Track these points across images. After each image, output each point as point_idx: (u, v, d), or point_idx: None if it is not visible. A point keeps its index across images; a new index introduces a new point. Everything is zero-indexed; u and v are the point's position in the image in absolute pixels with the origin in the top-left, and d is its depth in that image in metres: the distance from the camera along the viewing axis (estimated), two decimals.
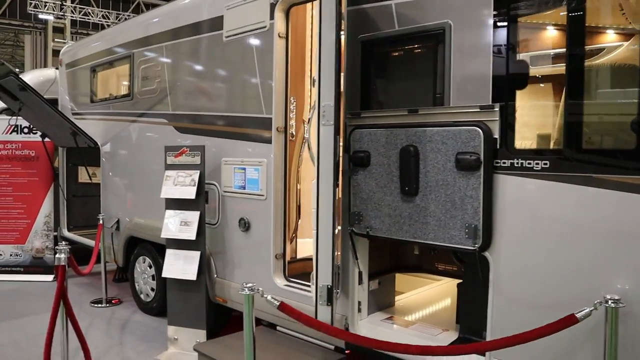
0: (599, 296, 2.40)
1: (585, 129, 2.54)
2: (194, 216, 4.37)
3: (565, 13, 2.55)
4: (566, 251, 2.58)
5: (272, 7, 3.95)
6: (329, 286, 2.89)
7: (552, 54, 2.81)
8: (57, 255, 3.75)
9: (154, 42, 5.18)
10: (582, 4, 2.51)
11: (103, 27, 24.41)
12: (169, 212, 4.47)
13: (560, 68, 2.61)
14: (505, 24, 2.74)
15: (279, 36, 3.96)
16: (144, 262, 5.48)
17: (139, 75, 5.40)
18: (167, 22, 5.01)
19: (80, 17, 23.92)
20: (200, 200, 4.37)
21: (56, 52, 23.73)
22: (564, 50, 2.57)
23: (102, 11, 24.06)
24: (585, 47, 2.52)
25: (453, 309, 3.64)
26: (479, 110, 2.81)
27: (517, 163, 2.70)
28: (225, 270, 4.45)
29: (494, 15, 2.77)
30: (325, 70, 2.82)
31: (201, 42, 4.62)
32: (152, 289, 5.39)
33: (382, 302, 3.80)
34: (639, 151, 2.35)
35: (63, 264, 3.73)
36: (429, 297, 4.09)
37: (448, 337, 3.27)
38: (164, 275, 4.42)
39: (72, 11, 23.49)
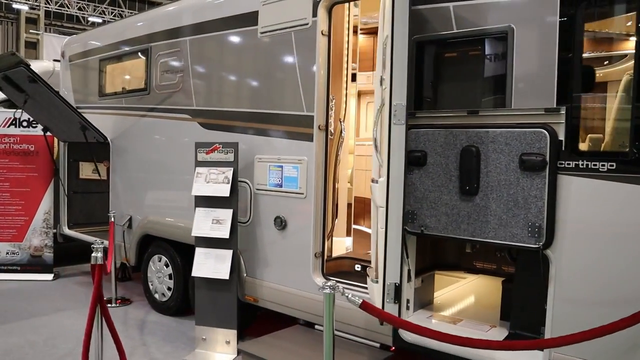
0: None
1: None
2: (226, 214, 4.32)
3: (635, 17, 2.66)
4: (629, 251, 2.69)
5: (315, 5, 3.94)
6: (396, 284, 2.92)
7: (618, 56, 2.92)
8: (93, 254, 3.64)
9: (176, 35, 5.09)
10: None
11: (79, 20, 23.68)
12: (199, 210, 4.40)
13: (627, 71, 2.73)
14: (571, 28, 2.83)
15: (322, 34, 3.96)
16: (160, 261, 5.37)
17: (158, 69, 5.29)
18: (193, 16, 4.93)
19: (55, 9, 23.08)
20: (234, 198, 4.32)
21: (29, 44, 22.92)
22: (632, 52, 2.68)
23: (78, 3, 23.29)
24: None
25: (494, 306, 3.72)
26: (544, 112, 2.89)
27: (582, 164, 2.80)
28: (256, 269, 4.41)
29: (560, 20, 2.85)
30: (397, 71, 2.84)
31: (232, 37, 4.57)
32: (169, 288, 5.29)
33: (424, 299, 3.85)
34: None
35: (100, 262, 3.63)
36: (464, 294, 4.16)
37: (499, 332, 3.35)
38: (194, 274, 4.35)
39: (47, 2, 22.64)
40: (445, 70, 3.37)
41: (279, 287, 4.24)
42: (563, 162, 2.84)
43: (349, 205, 5.00)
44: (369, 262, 4.30)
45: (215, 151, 4.40)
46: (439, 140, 3.22)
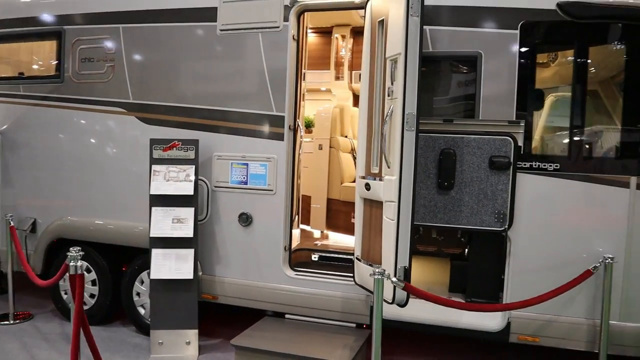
0: (587, 258, 3.49)
1: (585, 141, 3.62)
2: (188, 213, 4.24)
3: (573, 53, 3.58)
4: (566, 228, 3.61)
5: (287, 9, 4.13)
6: (406, 267, 3.37)
7: (562, 84, 3.82)
8: (72, 263, 3.30)
9: (105, 21, 4.67)
10: (585, 52, 3.57)
11: None
12: (156, 210, 4.22)
13: (568, 95, 3.64)
14: (527, 58, 3.63)
15: (293, 38, 4.17)
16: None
17: (76, 55, 4.78)
18: (131, 1, 4.59)
19: None
20: (195, 196, 4.25)
21: None
22: (571, 82, 3.60)
23: None
24: (586, 81, 3.59)
25: (440, 282, 4.41)
26: (507, 123, 3.65)
27: (535, 165, 3.63)
28: (215, 266, 4.41)
29: (519, 51, 3.63)
30: (409, 84, 3.28)
31: (185, 30, 4.43)
32: (92, 295, 4.87)
33: None
34: (619, 158, 3.52)
35: (80, 272, 3.31)
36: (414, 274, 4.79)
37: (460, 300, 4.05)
38: (153, 277, 4.18)
39: None
40: (423, 84, 3.91)
41: (244, 282, 4.33)
42: (521, 163, 3.64)
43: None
44: (327, 252, 4.71)
45: (174, 148, 4.26)
46: (420, 144, 3.76)
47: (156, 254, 4.22)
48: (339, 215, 5.64)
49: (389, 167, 3.44)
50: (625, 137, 3.57)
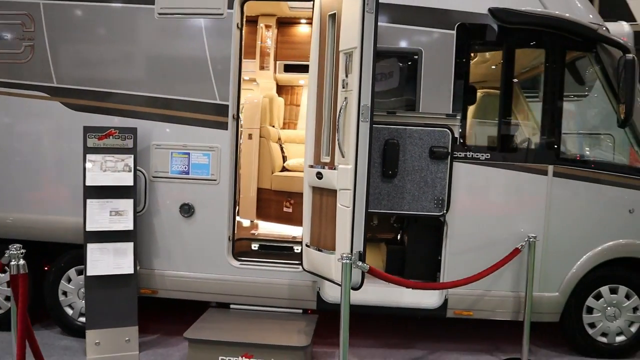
0: (512, 238, 3.93)
1: (511, 133, 4.05)
2: (127, 204, 4.03)
3: (502, 54, 3.98)
4: (495, 211, 4.03)
5: None
6: (360, 251, 3.52)
7: (492, 81, 4.19)
8: (13, 262, 3.02)
9: None
10: (512, 53, 3.98)
11: None
12: (92, 202, 3.96)
13: (497, 92, 4.04)
14: (462, 56, 3.96)
15: (237, 27, 4.12)
16: None
17: None
18: None
19: None
20: (134, 187, 4.05)
21: None
22: (499, 80, 4.00)
23: None
24: (512, 79, 4.01)
25: (375, 265, 4.65)
26: (445, 116, 3.96)
27: (469, 155, 3.99)
28: (154, 260, 4.24)
29: (455, 50, 3.94)
30: (365, 78, 3.43)
31: (118, 11, 4.17)
32: (7, 298, 4.43)
33: None
34: (538, 149, 3.99)
35: (24, 272, 3.04)
36: None
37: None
38: (90, 273, 3.93)
39: None
40: None
41: (186, 274, 4.22)
42: (457, 153, 3.97)
43: None
44: (266, 241, 4.75)
45: (111, 136, 4.01)
46: None
47: (92, 249, 3.96)
48: (270, 204, 5.67)
49: (343, 157, 3.57)
50: (543, 130, 4.05)
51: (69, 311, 4.37)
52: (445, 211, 3.98)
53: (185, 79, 4.16)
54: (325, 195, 3.81)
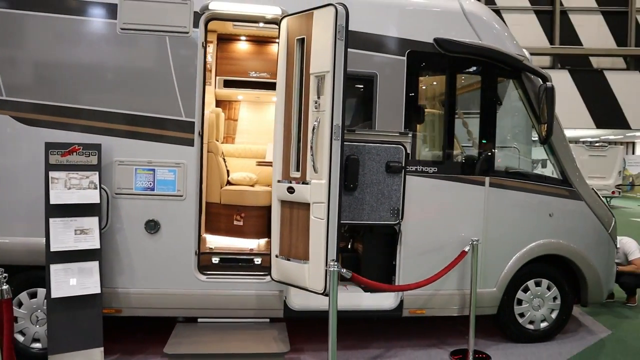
0: (456, 242, 4.45)
1: (454, 149, 4.57)
2: (92, 222, 3.96)
3: (445, 79, 4.49)
4: (442, 219, 4.52)
5: (197, 16, 4.17)
6: (334, 260, 3.78)
7: (437, 102, 4.68)
8: None
9: None
10: (453, 78, 4.52)
11: None
12: (55, 221, 3.84)
13: (441, 112, 4.54)
14: (412, 80, 4.41)
15: (202, 45, 4.23)
16: None
17: None
18: None
19: None
20: (99, 205, 3.98)
21: None
22: (443, 101, 4.51)
23: None
24: (454, 101, 4.54)
25: None
26: (399, 134, 4.38)
27: (419, 169, 4.45)
28: (117, 278, 4.18)
29: (406, 74, 4.39)
30: (337, 99, 3.72)
31: (75, 24, 4.08)
32: None
33: None
34: (477, 163, 4.56)
35: (8, 297, 2.93)
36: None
37: (354, 287, 4.65)
38: (55, 295, 3.80)
39: None
40: None
41: (152, 291, 4.21)
42: (409, 167, 4.41)
43: None
44: (226, 254, 4.86)
45: (74, 153, 3.91)
46: None
47: (56, 270, 3.83)
48: (219, 218, 5.74)
49: (316, 172, 3.84)
50: (481, 147, 4.62)
51: (20, 338, 4.15)
52: (400, 220, 4.39)
53: (149, 95, 4.17)
54: (296, 209, 4.05)
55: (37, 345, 4.18)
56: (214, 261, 4.78)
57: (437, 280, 4.25)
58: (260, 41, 6.30)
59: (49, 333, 3.89)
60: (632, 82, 15.26)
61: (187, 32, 4.17)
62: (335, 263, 3.43)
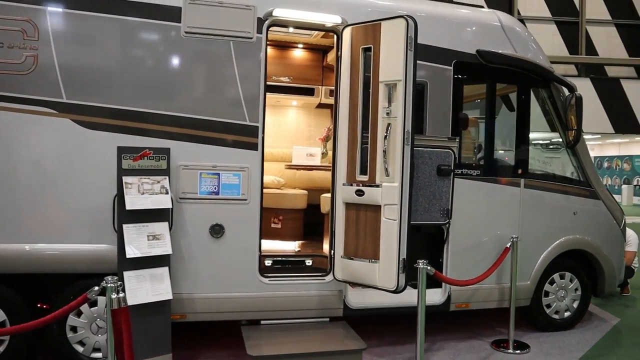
0: (494, 240, 4.79)
1: (494, 154, 4.90)
2: (163, 228, 3.91)
3: (486, 87, 4.82)
4: (483, 218, 4.84)
5: (260, 22, 4.23)
6: (404, 258, 3.97)
7: (479, 110, 4.98)
8: (114, 296, 2.84)
9: None
10: (494, 87, 4.85)
11: None
12: (129, 227, 3.76)
13: (482, 119, 4.86)
14: (457, 89, 4.70)
15: (265, 51, 4.29)
16: None
17: None
18: None
19: None
20: (168, 210, 3.95)
21: None
22: (484, 109, 4.84)
23: None
24: (494, 108, 4.88)
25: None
26: (447, 139, 4.65)
27: (465, 172, 4.74)
28: (182, 283, 4.14)
29: (452, 83, 4.67)
30: (407, 106, 3.92)
31: (139, 26, 4.01)
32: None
33: None
34: (514, 166, 4.93)
35: (125, 305, 2.89)
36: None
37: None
38: (131, 303, 3.68)
39: None
40: None
41: (217, 295, 4.20)
42: (457, 170, 4.69)
43: None
44: (276, 257, 4.94)
45: (145, 157, 3.85)
46: None
47: (129, 277, 3.76)
48: None
49: (387, 176, 4.03)
50: (517, 152, 4.99)
51: (79, 348, 4.02)
52: (449, 219, 4.66)
53: (214, 99, 4.17)
54: (364, 210, 4.20)
55: (98, 355, 4.06)
56: (267, 264, 4.82)
57: (491, 274, 4.55)
58: (281, 46, 6.36)
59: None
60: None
61: (251, 38, 4.22)
62: (424, 261, 3.63)
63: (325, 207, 5.27)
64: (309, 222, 5.81)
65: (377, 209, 4.10)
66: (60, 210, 3.92)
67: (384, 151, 4.02)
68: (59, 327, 3.96)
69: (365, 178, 4.21)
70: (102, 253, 3.96)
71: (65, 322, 3.97)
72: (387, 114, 4.04)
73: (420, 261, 3.70)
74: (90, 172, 3.95)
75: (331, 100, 6.66)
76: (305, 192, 5.80)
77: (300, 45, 6.38)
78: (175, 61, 4.12)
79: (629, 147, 14.95)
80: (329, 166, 5.98)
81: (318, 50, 6.47)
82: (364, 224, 4.21)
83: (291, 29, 5.46)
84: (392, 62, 4.01)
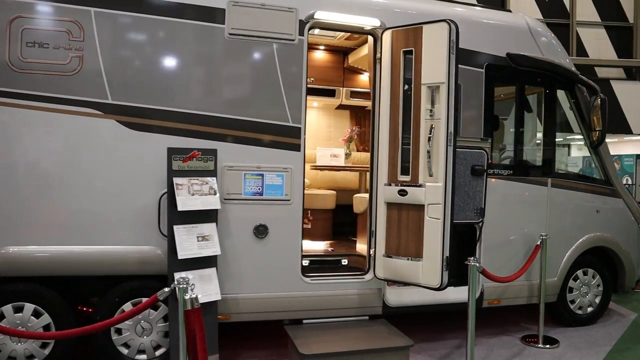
0: (521, 237, 4.92)
1: (524, 154, 5.03)
2: (211, 229, 3.93)
3: (516, 89, 4.95)
4: (513, 216, 4.96)
5: (302, 24, 4.27)
6: (447, 256, 4.06)
7: (509, 111, 5.10)
8: (186, 296, 2.86)
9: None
10: (523, 89, 4.98)
11: None
12: (179, 229, 3.77)
13: (512, 120, 4.99)
14: (488, 91, 4.81)
15: (306, 52, 4.33)
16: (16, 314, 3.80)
17: (18, 37, 3.72)
18: None
19: None
20: (215, 211, 3.96)
21: None
22: (514, 110, 4.96)
23: None
24: (523, 110, 5.00)
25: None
26: (480, 140, 4.76)
27: (497, 172, 4.86)
28: (226, 283, 4.15)
29: (484, 86, 4.78)
30: (450, 108, 4.01)
31: (183, 27, 4.01)
32: (44, 345, 3.86)
33: None
34: (542, 166, 5.06)
35: (198, 305, 2.90)
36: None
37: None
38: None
39: None
40: None
41: (261, 295, 4.23)
42: (489, 170, 4.80)
43: None
44: (319, 256, 4.99)
45: (194, 158, 3.86)
46: None
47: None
48: None
49: (431, 176, 4.11)
50: (545, 152, 5.12)
51: (124, 350, 4.00)
52: (482, 218, 4.76)
53: (257, 100, 4.20)
54: (406, 210, 4.28)
55: (142, 357, 4.05)
56: (304, 264, 4.85)
57: (525, 271, 4.67)
58: None
59: (171, 343, 3.80)
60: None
61: (293, 40, 4.25)
62: (475, 258, 3.72)
63: (359, 207, 5.33)
64: (336, 222, 5.87)
65: (419, 208, 4.18)
66: (106, 211, 3.90)
67: (428, 152, 4.10)
68: (104, 330, 3.94)
69: (407, 178, 4.28)
70: (149, 254, 3.95)
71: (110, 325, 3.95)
72: (431, 115, 4.12)
73: (470, 258, 3.79)
74: (135, 174, 3.94)
75: (351, 102, 6.81)
76: (334, 192, 5.85)
77: (322, 47, 6.43)
78: (220, 62, 4.13)
79: (617, 146, 15.39)
80: (356, 167, 6.14)
81: (339, 52, 6.53)
82: (406, 223, 4.28)
83: (317, 31, 5.51)
84: (435, 65, 4.09)
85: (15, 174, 3.75)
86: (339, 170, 5.90)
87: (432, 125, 4.11)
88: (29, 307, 3.82)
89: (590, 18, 15.18)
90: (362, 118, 7.02)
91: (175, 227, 3.77)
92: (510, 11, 5.55)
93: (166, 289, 3.00)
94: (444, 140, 4.05)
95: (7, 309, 3.78)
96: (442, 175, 4.06)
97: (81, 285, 4.10)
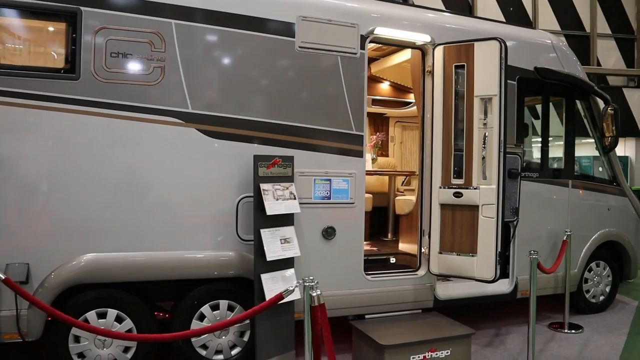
0: (547, 234, 5.43)
1: (548, 159, 5.53)
2: (291, 231, 4.15)
3: (541, 99, 5.44)
4: (540, 214, 5.45)
5: (363, 39, 4.57)
6: (500, 251, 4.47)
7: (536, 120, 5.57)
8: (314, 293, 3.09)
9: (150, 12, 3.91)
10: (548, 100, 5.48)
11: None
12: (265, 232, 3.97)
13: (539, 128, 5.47)
14: (520, 101, 5.28)
15: (366, 65, 4.63)
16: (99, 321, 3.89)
17: (104, 47, 3.81)
18: None
19: None
20: (293, 215, 4.19)
21: None
22: (540, 119, 5.45)
23: None
24: (548, 119, 5.50)
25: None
26: (514, 146, 5.21)
27: (528, 174, 5.33)
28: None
29: (517, 96, 5.24)
30: (502, 118, 4.42)
31: (258, 40, 4.21)
32: (126, 349, 3.96)
33: None
34: (563, 169, 5.58)
35: (321, 303, 3.13)
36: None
37: None
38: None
39: None
40: None
41: (329, 293, 4.44)
42: (522, 173, 5.26)
43: None
44: (371, 256, 5.28)
45: (276, 165, 4.07)
46: None
47: (265, 279, 3.97)
48: None
49: (484, 179, 4.51)
50: (565, 156, 5.65)
51: (202, 352, 4.15)
52: (517, 217, 5.22)
53: (325, 110, 4.45)
54: (460, 210, 4.65)
55: (219, 357, 4.21)
56: None
57: (558, 265, 5.15)
58: None
59: (258, 341, 4.00)
60: None
61: (356, 53, 4.54)
62: (534, 251, 4.15)
63: (403, 209, 5.67)
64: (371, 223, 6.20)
65: (474, 208, 4.57)
66: (186, 217, 4.04)
67: (483, 157, 4.50)
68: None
69: (460, 181, 4.66)
70: (227, 259, 4.12)
71: (189, 328, 4.10)
72: (484, 124, 4.52)
73: (531, 251, 4.21)
74: (214, 180, 4.10)
75: (371, 109, 7.13)
76: (371, 195, 6.16)
77: None
78: (291, 74, 4.36)
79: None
80: (394, 171, 6.49)
81: None
82: (460, 222, 4.66)
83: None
84: (487, 78, 4.50)
85: (96, 182, 3.83)
86: (372, 174, 6.21)
87: (485, 133, 4.50)
88: (112, 312, 3.92)
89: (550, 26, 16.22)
90: (381, 125, 7.37)
91: (262, 230, 3.97)
92: (533, 27, 6.06)
93: (290, 288, 3.20)
94: (496, 147, 4.46)
95: (91, 315, 3.86)
96: (495, 178, 4.47)
97: (149, 291, 4.20)
